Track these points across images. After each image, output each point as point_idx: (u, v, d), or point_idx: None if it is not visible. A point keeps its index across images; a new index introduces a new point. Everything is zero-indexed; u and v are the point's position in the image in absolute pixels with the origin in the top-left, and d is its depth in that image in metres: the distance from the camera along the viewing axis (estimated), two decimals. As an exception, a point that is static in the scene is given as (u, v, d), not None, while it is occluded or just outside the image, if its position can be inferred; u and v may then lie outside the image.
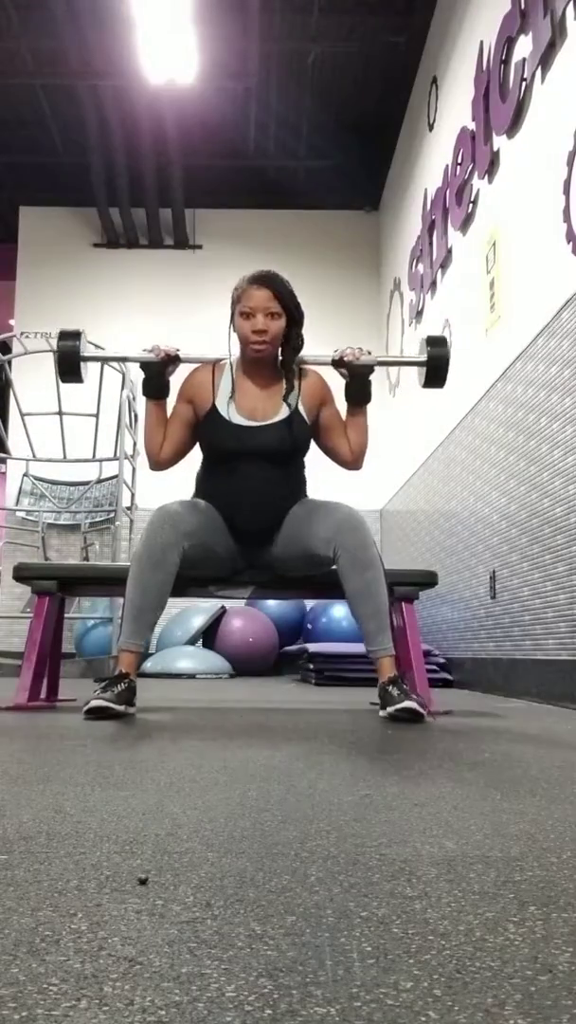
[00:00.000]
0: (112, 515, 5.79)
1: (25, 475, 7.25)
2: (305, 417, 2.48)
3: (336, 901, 0.66)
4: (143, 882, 0.70)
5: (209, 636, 6.43)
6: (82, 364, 2.58)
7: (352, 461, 2.57)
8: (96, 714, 2.14)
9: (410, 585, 2.63)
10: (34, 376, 6.07)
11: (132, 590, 2.29)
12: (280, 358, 2.49)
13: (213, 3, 5.47)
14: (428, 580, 2.69)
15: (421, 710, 2.13)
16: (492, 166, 4.33)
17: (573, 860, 0.80)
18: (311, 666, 5.08)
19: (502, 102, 4.11)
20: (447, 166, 5.32)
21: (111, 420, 5.46)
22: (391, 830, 0.91)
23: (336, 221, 8.03)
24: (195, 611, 6.46)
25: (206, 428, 2.47)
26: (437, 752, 1.63)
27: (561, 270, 3.36)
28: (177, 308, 7.68)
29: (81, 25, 5.74)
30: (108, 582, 2.80)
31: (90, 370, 2.76)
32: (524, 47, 3.81)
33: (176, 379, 2.54)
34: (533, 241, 3.72)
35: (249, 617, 6.42)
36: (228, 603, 6.31)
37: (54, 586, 2.63)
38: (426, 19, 5.76)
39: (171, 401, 2.54)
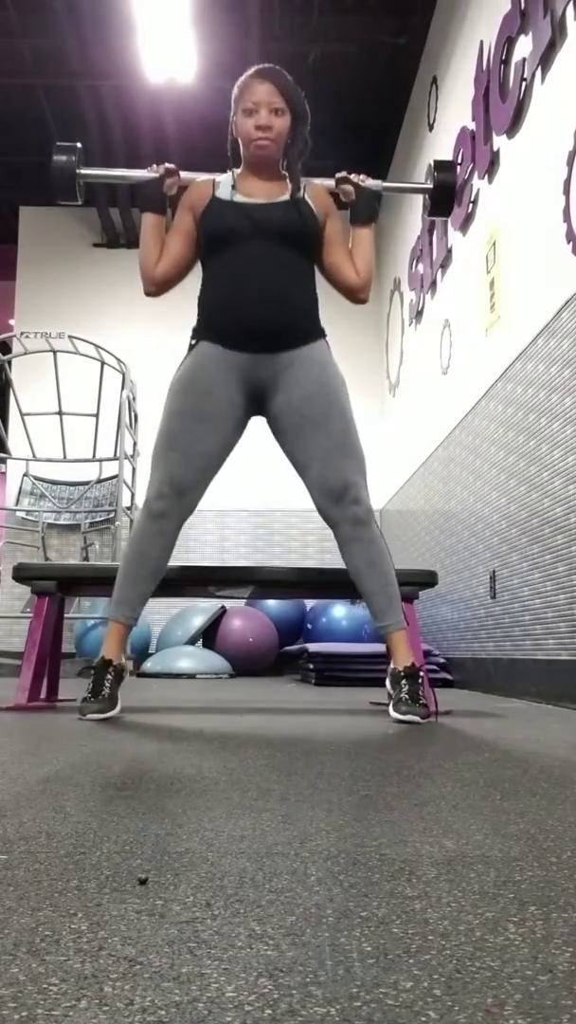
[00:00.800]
0: (112, 515, 5.80)
1: (25, 475, 7.25)
2: (313, 209, 2.32)
3: (336, 901, 0.66)
4: (143, 882, 0.70)
5: (209, 636, 6.43)
6: (78, 183, 2.42)
7: (360, 286, 2.37)
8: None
9: (410, 585, 2.63)
10: (34, 376, 6.08)
11: (129, 557, 2.23)
12: (286, 161, 2.33)
13: (213, 3, 5.47)
14: (428, 580, 2.69)
15: (424, 721, 2.11)
16: (492, 166, 4.33)
17: (573, 860, 0.80)
18: (311, 666, 5.08)
19: (502, 102, 4.11)
20: (447, 166, 5.31)
21: (111, 420, 5.47)
22: (391, 830, 0.91)
23: (336, 221, 8.02)
24: (195, 611, 6.46)
25: (206, 218, 2.29)
26: (437, 752, 1.63)
27: (561, 270, 3.36)
28: (177, 308, 7.67)
29: (81, 25, 5.75)
30: (108, 582, 2.79)
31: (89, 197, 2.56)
32: (524, 47, 3.81)
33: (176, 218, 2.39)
34: (533, 241, 3.72)
35: (249, 617, 6.42)
36: (228, 603, 6.31)
37: (54, 586, 2.63)
38: (426, 19, 5.76)
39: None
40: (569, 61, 3.34)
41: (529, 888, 0.70)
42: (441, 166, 2.52)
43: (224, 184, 2.32)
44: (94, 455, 5.61)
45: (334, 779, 1.26)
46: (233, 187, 2.30)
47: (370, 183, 2.41)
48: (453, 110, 5.18)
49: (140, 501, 5.87)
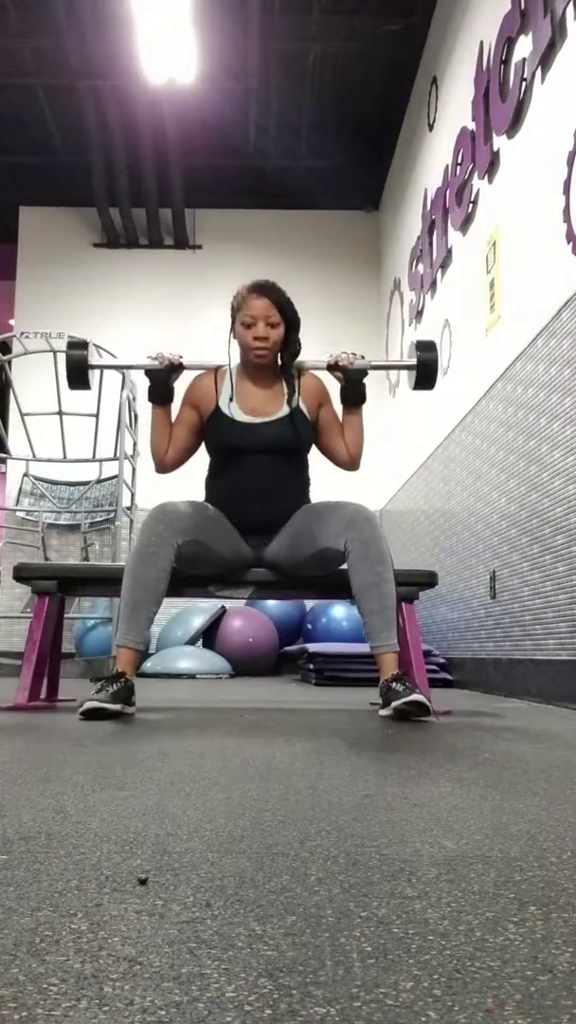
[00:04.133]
0: (112, 515, 5.79)
1: (25, 475, 7.25)
2: (307, 415, 2.59)
3: (336, 901, 0.66)
4: (143, 882, 0.70)
5: (209, 636, 6.43)
6: (89, 372, 2.69)
7: (350, 462, 2.66)
8: (92, 715, 2.13)
9: (410, 585, 2.63)
10: (34, 376, 6.07)
11: (127, 585, 2.32)
12: (280, 363, 2.60)
13: (213, 3, 5.47)
14: (428, 580, 2.69)
15: (427, 703, 2.13)
16: (492, 166, 4.33)
17: (573, 860, 0.80)
18: (311, 666, 5.08)
19: (502, 102, 4.11)
20: (447, 166, 5.32)
21: (111, 420, 5.46)
22: (391, 830, 0.91)
23: (336, 221, 8.03)
24: (195, 611, 6.46)
25: (211, 429, 2.57)
26: (437, 752, 1.63)
27: (561, 270, 3.36)
28: (177, 308, 7.68)
29: (81, 25, 5.74)
30: (108, 582, 2.80)
31: (95, 374, 2.84)
32: (524, 47, 3.81)
33: (180, 386, 2.62)
34: (533, 241, 3.72)
35: (249, 617, 6.42)
36: (228, 603, 6.31)
37: (54, 586, 2.63)
38: (426, 19, 5.76)
39: (175, 413, 2.64)
40: (569, 61, 3.34)
41: (529, 888, 0.70)
42: (423, 346, 2.71)
43: (225, 388, 2.57)
44: (94, 455, 5.60)
45: (334, 779, 1.26)
46: (232, 398, 2.55)
47: (359, 364, 2.59)
48: (453, 110, 5.18)
49: (140, 501, 5.89)
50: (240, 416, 2.54)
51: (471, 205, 4.71)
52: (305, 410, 2.59)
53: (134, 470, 5.85)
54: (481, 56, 4.48)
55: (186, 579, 2.49)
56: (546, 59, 3.53)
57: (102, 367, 2.87)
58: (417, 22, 5.83)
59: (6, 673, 5.09)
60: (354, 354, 2.60)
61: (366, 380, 2.63)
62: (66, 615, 3.13)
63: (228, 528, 2.51)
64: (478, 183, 4.60)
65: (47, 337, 5.70)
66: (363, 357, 2.63)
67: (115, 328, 7.28)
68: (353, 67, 6.39)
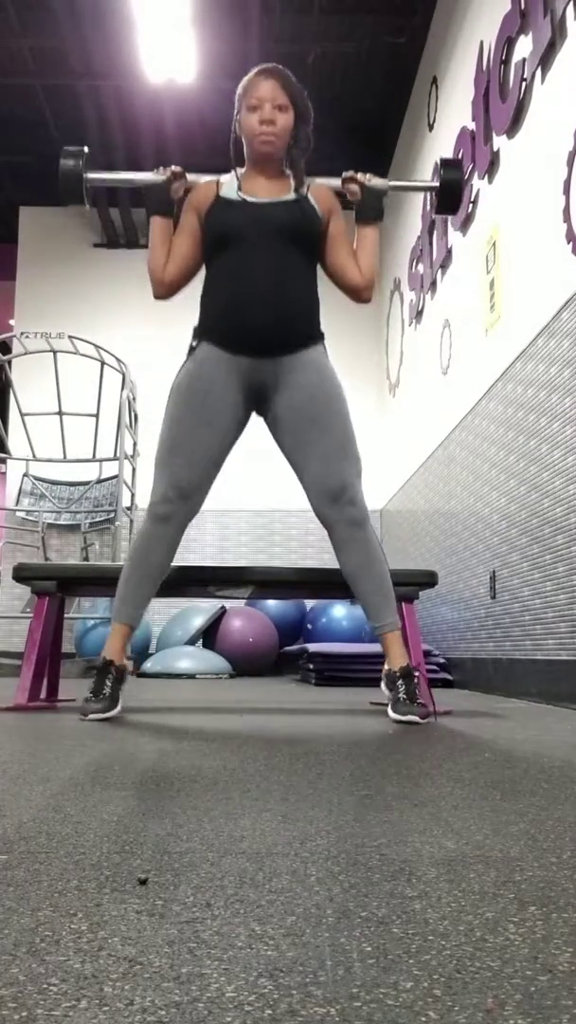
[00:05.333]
0: (112, 515, 5.80)
1: (25, 475, 7.25)
2: (316, 209, 2.34)
3: (336, 901, 0.66)
4: (143, 882, 0.70)
5: (209, 636, 6.43)
6: (85, 187, 2.45)
7: (363, 285, 2.37)
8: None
9: (410, 585, 2.63)
10: (34, 376, 6.07)
11: (133, 563, 2.26)
12: (289, 159, 2.35)
13: (213, 3, 5.47)
14: (428, 580, 2.69)
15: (424, 721, 2.12)
16: (492, 166, 4.33)
17: (573, 860, 0.80)
18: (311, 666, 5.08)
19: (502, 102, 4.11)
20: (447, 166, 5.31)
21: (111, 420, 5.47)
22: (391, 830, 0.91)
23: (336, 221, 8.02)
24: (195, 611, 6.46)
25: (211, 218, 2.31)
26: (437, 752, 1.63)
27: (561, 270, 3.36)
28: (177, 308, 7.68)
29: (81, 25, 5.75)
30: (108, 582, 2.79)
31: (95, 200, 2.59)
32: (524, 47, 3.81)
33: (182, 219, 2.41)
34: (533, 241, 3.72)
35: (249, 617, 6.42)
36: (228, 603, 6.31)
37: (54, 586, 2.63)
38: (426, 19, 5.76)
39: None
40: (569, 61, 3.34)
41: (529, 888, 0.70)
42: (448, 163, 2.55)
43: (228, 183, 2.33)
44: (94, 455, 5.61)
45: (334, 779, 1.26)
46: (238, 188, 2.32)
47: (376, 182, 2.41)
48: (453, 110, 5.18)
49: (140, 501, 5.90)
50: (243, 197, 2.29)
51: (471, 205, 4.71)
52: (315, 206, 2.33)
53: (134, 470, 5.85)
54: (481, 56, 4.48)
55: (186, 579, 2.48)
56: (546, 59, 3.53)
57: (97, 180, 2.52)
58: (417, 22, 5.83)
59: (6, 673, 5.09)
60: (371, 175, 2.41)
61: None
62: (66, 615, 3.13)
63: (220, 400, 2.25)
64: (478, 183, 4.60)
65: (47, 337, 5.70)
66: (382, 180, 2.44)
67: (115, 328, 7.29)
68: (353, 67, 6.39)
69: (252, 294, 2.23)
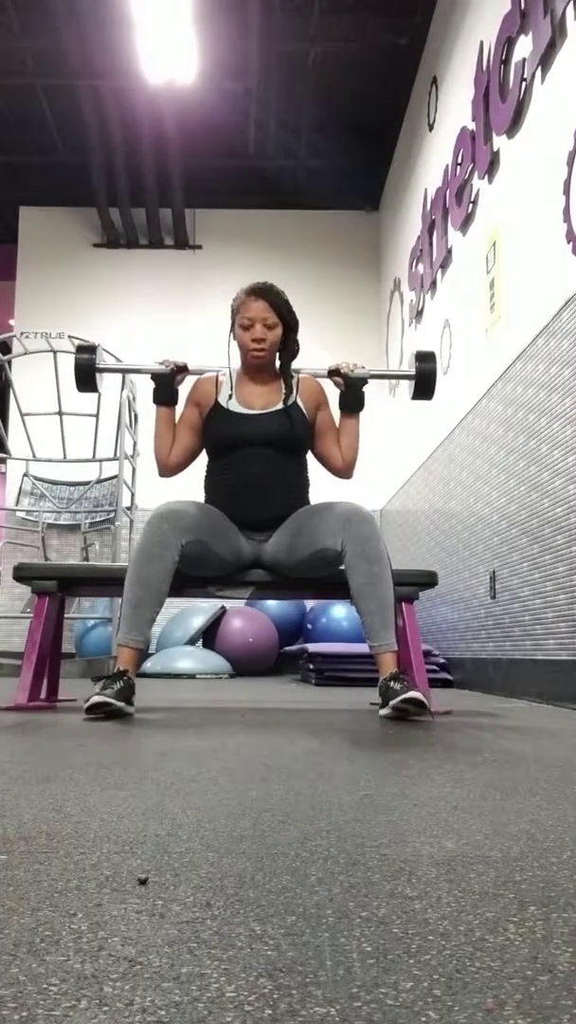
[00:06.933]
0: (112, 515, 5.79)
1: (25, 475, 7.24)
2: (304, 412, 2.62)
3: (336, 901, 0.66)
4: (143, 882, 0.70)
5: (209, 636, 6.43)
6: (97, 375, 2.73)
7: (344, 468, 2.68)
8: (96, 711, 2.14)
9: (410, 585, 2.63)
10: (34, 376, 6.06)
11: (130, 584, 2.32)
12: (278, 364, 2.64)
13: (213, 3, 5.47)
14: (428, 580, 2.69)
15: (425, 700, 2.13)
16: (492, 166, 4.33)
17: (573, 860, 0.80)
18: (311, 666, 5.08)
19: (502, 102, 4.11)
20: (447, 166, 5.32)
21: (111, 420, 5.46)
22: (391, 830, 0.91)
23: (336, 221, 8.03)
24: (195, 611, 6.46)
25: (210, 423, 2.60)
26: (437, 752, 1.63)
27: (561, 270, 3.36)
28: (177, 308, 7.68)
29: (81, 25, 5.74)
30: (108, 582, 2.80)
31: (102, 377, 2.86)
32: (524, 47, 3.81)
33: (184, 400, 2.68)
34: (533, 241, 3.72)
35: (249, 617, 6.42)
36: (228, 603, 6.31)
37: (54, 586, 2.63)
38: (426, 19, 5.76)
39: (178, 418, 2.68)
40: (569, 61, 3.34)
41: (529, 888, 0.70)
42: (422, 356, 2.75)
43: (225, 388, 2.62)
44: (94, 455, 5.60)
45: (334, 779, 1.26)
46: (230, 396, 2.59)
47: (358, 372, 2.63)
48: (453, 110, 5.18)
49: (140, 501, 5.89)
50: (238, 408, 2.58)
51: (471, 205, 4.71)
52: (303, 408, 2.62)
53: (134, 470, 5.85)
54: (481, 56, 4.48)
55: (186, 579, 2.48)
56: (546, 59, 3.53)
57: (110, 370, 2.91)
58: (417, 22, 5.83)
59: (6, 673, 5.09)
60: (354, 364, 2.66)
61: (366, 389, 2.67)
62: (66, 615, 3.13)
63: (230, 529, 2.52)
64: (478, 183, 4.60)
65: (47, 337, 5.70)
66: (363, 367, 2.67)
67: (115, 328, 7.28)
68: (353, 67, 6.39)
69: (246, 493, 2.53)
